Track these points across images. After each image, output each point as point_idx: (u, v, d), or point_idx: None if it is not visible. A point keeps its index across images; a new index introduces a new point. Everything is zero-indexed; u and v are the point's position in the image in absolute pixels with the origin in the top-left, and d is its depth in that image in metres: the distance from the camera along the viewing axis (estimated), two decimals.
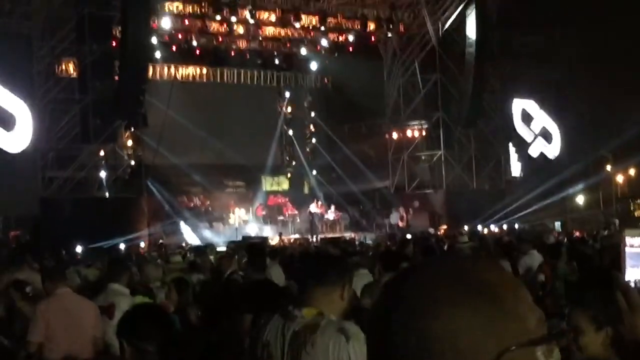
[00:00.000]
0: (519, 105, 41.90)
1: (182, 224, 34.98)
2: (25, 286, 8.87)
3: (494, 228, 35.69)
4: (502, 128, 40.78)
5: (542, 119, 42.35)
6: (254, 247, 12.45)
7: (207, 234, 35.00)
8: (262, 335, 4.02)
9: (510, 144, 42.06)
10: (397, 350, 1.36)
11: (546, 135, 42.40)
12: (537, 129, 42.33)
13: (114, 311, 8.08)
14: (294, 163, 44.29)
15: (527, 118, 42.18)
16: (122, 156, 34.30)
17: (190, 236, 34.26)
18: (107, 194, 32.70)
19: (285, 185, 43.31)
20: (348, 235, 34.74)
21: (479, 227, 35.00)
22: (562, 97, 42.71)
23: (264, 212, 38.91)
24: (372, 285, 7.68)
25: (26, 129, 30.25)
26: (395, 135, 40.69)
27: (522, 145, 42.30)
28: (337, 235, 35.19)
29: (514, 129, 41.84)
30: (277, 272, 11.69)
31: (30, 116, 30.38)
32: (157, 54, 35.88)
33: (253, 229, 36.56)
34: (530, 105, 42.14)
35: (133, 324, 4.30)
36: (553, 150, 42.39)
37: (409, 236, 28.59)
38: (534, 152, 42.36)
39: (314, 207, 38.68)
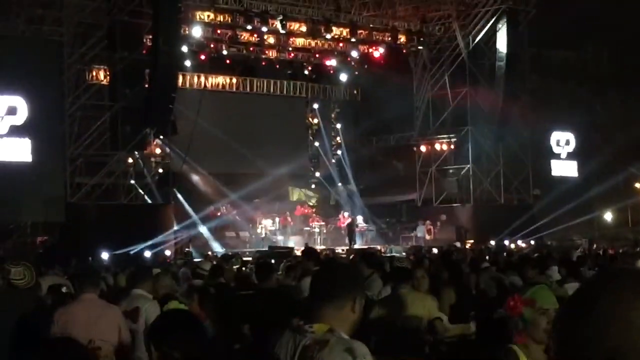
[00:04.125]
0: (556, 136, 41.78)
1: (207, 232, 35.02)
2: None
3: (521, 243, 35.48)
4: (531, 143, 40.39)
5: (574, 140, 42.05)
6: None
7: (234, 243, 35.03)
8: (273, 350, 3.98)
9: (540, 160, 41.66)
10: (599, 333, 1.64)
11: (576, 154, 42.09)
12: (569, 148, 42.07)
13: (138, 315, 8.09)
14: (317, 174, 44.13)
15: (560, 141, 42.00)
16: (150, 164, 34.39)
17: (216, 245, 34.30)
18: (134, 201, 32.77)
19: (313, 200, 43.34)
20: (374, 247, 34.68)
21: (506, 242, 34.83)
22: (594, 114, 42.44)
23: (291, 222, 38.93)
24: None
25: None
26: (423, 149, 40.49)
27: (553, 161, 41.95)
28: (364, 247, 35.21)
29: (545, 146, 41.52)
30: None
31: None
32: (188, 63, 35.96)
33: (279, 239, 36.64)
34: (566, 135, 41.94)
35: (164, 329, 4.22)
36: (582, 168, 41.99)
37: (435, 250, 28.58)
38: (564, 169, 42.03)
39: (345, 218, 38.69)
